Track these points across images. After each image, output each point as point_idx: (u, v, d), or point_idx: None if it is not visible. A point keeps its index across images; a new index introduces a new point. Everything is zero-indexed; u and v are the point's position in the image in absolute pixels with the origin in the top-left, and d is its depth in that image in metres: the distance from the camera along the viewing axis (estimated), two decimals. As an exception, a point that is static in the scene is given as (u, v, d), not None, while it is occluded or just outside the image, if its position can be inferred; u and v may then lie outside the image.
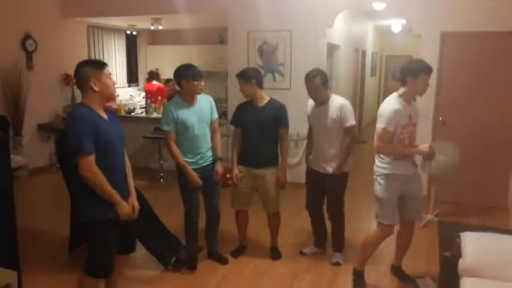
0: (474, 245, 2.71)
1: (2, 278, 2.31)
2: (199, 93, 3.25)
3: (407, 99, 2.91)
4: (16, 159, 4.34)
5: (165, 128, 3.22)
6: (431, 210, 4.55)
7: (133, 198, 2.52)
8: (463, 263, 2.62)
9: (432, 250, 3.77)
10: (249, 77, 3.35)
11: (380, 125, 2.87)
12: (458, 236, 3.14)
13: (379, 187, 2.98)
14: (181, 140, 3.26)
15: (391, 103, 2.88)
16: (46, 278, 3.30)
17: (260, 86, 3.42)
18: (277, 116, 3.41)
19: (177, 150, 3.23)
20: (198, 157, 3.30)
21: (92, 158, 2.22)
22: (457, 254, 2.92)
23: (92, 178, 2.23)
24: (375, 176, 3.02)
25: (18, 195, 2.71)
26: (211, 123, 3.40)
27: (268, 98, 3.48)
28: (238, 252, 3.75)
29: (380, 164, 2.97)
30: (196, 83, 3.16)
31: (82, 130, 2.20)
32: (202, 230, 3.59)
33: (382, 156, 2.96)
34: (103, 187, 2.27)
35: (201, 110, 3.28)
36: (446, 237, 3.81)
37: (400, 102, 2.87)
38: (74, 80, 2.37)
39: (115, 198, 2.33)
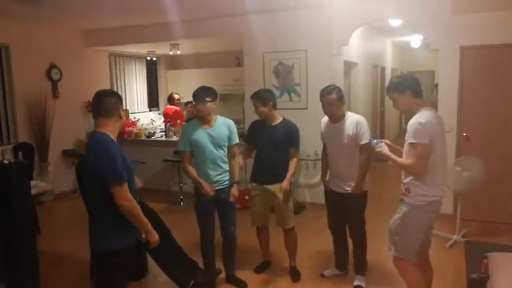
0: (503, 266, 2.58)
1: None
2: (202, 115, 3.29)
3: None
4: (41, 185, 4.46)
5: (180, 147, 3.37)
6: (458, 229, 4.36)
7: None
8: (491, 286, 2.48)
9: (459, 272, 3.62)
10: (266, 100, 3.44)
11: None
12: (486, 257, 3.00)
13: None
14: (197, 161, 3.35)
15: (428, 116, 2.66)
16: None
17: (275, 107, 3.53)
18: (289, 136, 3.48)
19: (190, 168, 3.32)
20: (212, 179, 3.31)
21: (126, 186, 2.25)
22: (485, 276, 2.79)
23: (129, 206, 2.25)
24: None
25: (43, 220, 2.78)
26: (230, 148, 3.39)
27: (281, 118, 3.54)
28: (262, 268, 3.79)
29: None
30: (198, 105, 3.24)
31: (118, 159, 2.23)
32: (221, 253, 3.56)
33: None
34: (139, 214, 2.29)
35: (217, 133, 3.31)
36: (473, 258, 3.65)
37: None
38: (92, 107, 2.40)
39: (148, 226, 2.35)
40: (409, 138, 2.59)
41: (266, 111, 3.46)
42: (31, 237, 2.72)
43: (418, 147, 2.54)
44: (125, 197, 2.22)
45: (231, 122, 3.41)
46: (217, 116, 3.40)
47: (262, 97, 3.46)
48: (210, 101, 3.24)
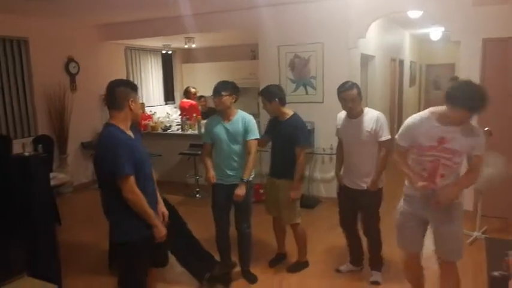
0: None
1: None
2: (218, 109, 3.36)
3: (443, 119, 2.48)
4: (60, 177, 4.53)
5: (203, 139, 3.52)
6: (478, 226, 4.28)
7: (162, 205, 2.59)
8: (512, 284, 2.42)
9: (479, 269, 3.54)
10: (271, 96, 3.45)
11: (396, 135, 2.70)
12: (508, 255, 2.93)
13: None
14: (215, 154, 3.40)
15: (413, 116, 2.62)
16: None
17: (283, 103, 3.49)
18: (293, 134, 3.42)
19: (206, 159, 3.41)
20: (225, 173, 3.33)
21: (132, 180, 2.25)
22: (507, 274, 2.72)
23: (133, 199, 2.26)
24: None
25: (63, 211, 2.85)
26: (246, 143, 3.33)
27: (291, 114, 3.51)
28: (275, 261, 3.80)
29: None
30: (214, 99, 3.32)
31: (121, 153, 2.23)
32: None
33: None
34: (144, 208, 2.30)
35: (233, 128, 3.32)
36: (494, 256, 3.57)
37: (429, 118, 2.53)
38: (105, 98, 2.38)
39: (153, 220, 2.36)
40: (481, 151, 2.52)
41: (272, 108, 3.47)
42: (51, 227, 2.77)
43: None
44: (129, 190, 2.24)
45: (249, 117, 3.38)
46: (239, 110, 3.40)
47: (266, 94, 3.48)
48: (226, 95, 3.25)
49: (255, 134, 3.35)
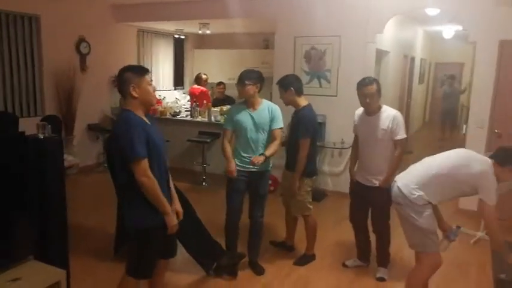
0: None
1: (53, 276, 2.38)
2: (241, 97, 3.37)
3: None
4: (69, 159, 4.53)
5: (224, 125, 3.48)
6: (482, 226, 4.27)
7: (177, 202, 2.54)
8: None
9: (483, 271, 3.55)
10: (287, 85, 3.44)
11: (490, 201, 2.61)
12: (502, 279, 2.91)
13: (422, 216, 2.67)
14: (237, 140, 3.39)
15: (491, 175, 2.58)
16: (91, 277, 3.39)
17: (299, 93, 3.47)
18: (297, 124, 3.44)
19: (227, 145, 3.36)
20: (246, 160, 3.31)
21: (146, 163, 2.23)
22: (515, 278, 2.72)
23: (147, 183, 2.23)
24: (409, 203, 2.70)
25: (67, 193, 2.83)
26: (271, 132, 3.33)
27: (302, 105, 3.48)
28: (277, 244, 3.94)
29: (423, 196, 2.66)
30: (238, 87, 3.31)
31: (135, 135, 2.21)
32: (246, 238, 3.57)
33: (428, 191, 2.66)
34: (156, 193, 2.27)
35: (260, 116, 3.31)
36: (499, 257, 3.56)
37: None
38: (120, 85, 2.34)
39: (166, 207, 2.33)
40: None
41: (287, 97, 3.46)
42: (63, 211, 2.75)
43: None
44: (143, 173, 2.21)
45: (275, 106, 3.37)
46: (264, 100, 3.38)
47: (283, 82, 3.48)
48: (250, 84, 3.24)
49: (280, 123, 3.34)
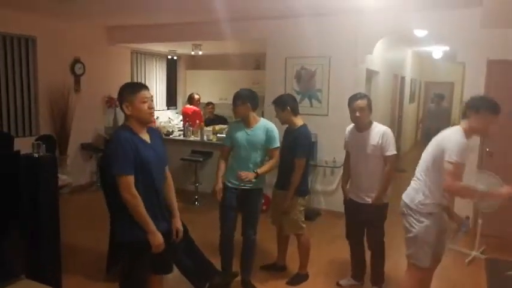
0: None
1: (44, 295, 2.36)
2: (236, 117, 3.46)
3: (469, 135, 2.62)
4: (62, 178, 4.48)
5: (223, 142, 3.62)
6: (477, 245, 4.29)
7: (177, 220, 2.56)
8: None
9: (478, 289, 3.56)
10: (284, 105, 3.50)
11: (451, 159, 2.52)
12: (510, 275, 2.94)
13: (419, 225, 2.70)
14: (232, 157, 3.46)
15: (458, 135, 2.59)
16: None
17: (295, 112, 3.54)
18: (293, 144, 3.47)
19: (221, 164, 3.46)
20: (228, 173, 3.39)
21: (131, 180, 2.25)
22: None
23: (130, 200, 2.25)
24: (410, 212, 2.74)
25: (61, 212, 2.84)
26: (269, 152, 3.38)
27: (299, 125, 3.54)
28: (268, 268, 3.85)
29: (425, 201, 2.69)
30: (232, 107, 3.39)
31: (121, 152, 2.24)
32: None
33: (427, 192, 2.70)
34: (139, 211, 2.27)
35: (254, 135, 3.36)
36: (496, 276, 3.59)
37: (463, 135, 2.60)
38: (118, 103, 2.42)
39: (150, 226, 2.31)
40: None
41: (284, 116, 3.52)
42: (56, 232, 2.74)
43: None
44: (127, 190, 2.23)
45: (271, 126, 3.40)
46: (261, 119, 3.45)
47: (279, 102, 3.54)
48: (240, 104, 3.32)
49: (276, 143, 3.39)
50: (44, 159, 2.63)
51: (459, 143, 2.52)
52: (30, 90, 6.04)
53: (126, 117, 2.36)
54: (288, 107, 3.49)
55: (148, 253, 2.36)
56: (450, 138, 2.58)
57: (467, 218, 2.97)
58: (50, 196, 2.69)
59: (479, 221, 4.28)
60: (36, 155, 2.62)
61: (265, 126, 3.38)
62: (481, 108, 2.59)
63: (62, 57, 6.36)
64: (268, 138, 3.35)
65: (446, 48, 7.65)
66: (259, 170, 3.30)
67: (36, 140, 5.35)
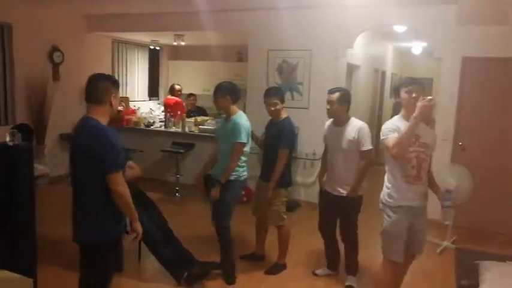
0: (493, 275, 2.65)
1: (19, 285, 2.35)
2: (217, 110, 3.57)
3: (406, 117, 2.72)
4: (39, 168, 4.44)
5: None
6: (449, 236, 4.44)
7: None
8: (480, 293, 2.55)
9: (448, 278, 3.69)
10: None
11: (382, 137, 2.77)
12: (477, 265, 3.07)
13: (387, 220, 2.78)
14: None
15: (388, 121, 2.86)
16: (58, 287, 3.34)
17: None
18: (278, 135, 3.51)
19: (209, 158, 3.69)
20: (218, 169, 3.45)
21: (122, 173, 2.26)
22: (475, 283, 2.86)
23: (124, 192, 2.24)
24: (382, 207, 2.83)
25: (38, 203, 2.80)
26: (231, 145, 3.36)
27: (284, 117, 3.59)
28: (247, 257, 3.91)
29: (388, 193, 2.78)
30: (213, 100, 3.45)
31: (118, 147, 2.22)
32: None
33: (389, 184, 2.79)
34: (129, 202, 2.28)
35: (226, 127, 3.42)
36: (463, 265, 3.73)
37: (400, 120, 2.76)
38: (85, 91, 2.32)
39: (136, 214, 2.35)
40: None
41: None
42: (32, 222, 2.72)
43: None
44: (121, 183, 2.23)
45: (238, 120, 3.36)
46: (238, 112, 3.44)
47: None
48: (220, 97, 3.38)
49: (236, 138, 3.32)
50: (19, 147, 2.60)
51: (386, 124, 2.79)
52: (6, 78, 5.89)
53: (101, 108, 2.28)
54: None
55: (114, 252, 2.44)
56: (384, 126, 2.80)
57: (448, 191, 3.05)
58: (26, 186, 2.66)
59: (452, 212, 4.44)
60: (11, 143, 2.58)
61: (237, 119, 3.37)
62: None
63: (40, 45, 6.22)
64: (232, 131, 3.34)
65: (425, 44, 7.80)
66: (222, 177, 3.32)
67: (12, 128, 5.29)
